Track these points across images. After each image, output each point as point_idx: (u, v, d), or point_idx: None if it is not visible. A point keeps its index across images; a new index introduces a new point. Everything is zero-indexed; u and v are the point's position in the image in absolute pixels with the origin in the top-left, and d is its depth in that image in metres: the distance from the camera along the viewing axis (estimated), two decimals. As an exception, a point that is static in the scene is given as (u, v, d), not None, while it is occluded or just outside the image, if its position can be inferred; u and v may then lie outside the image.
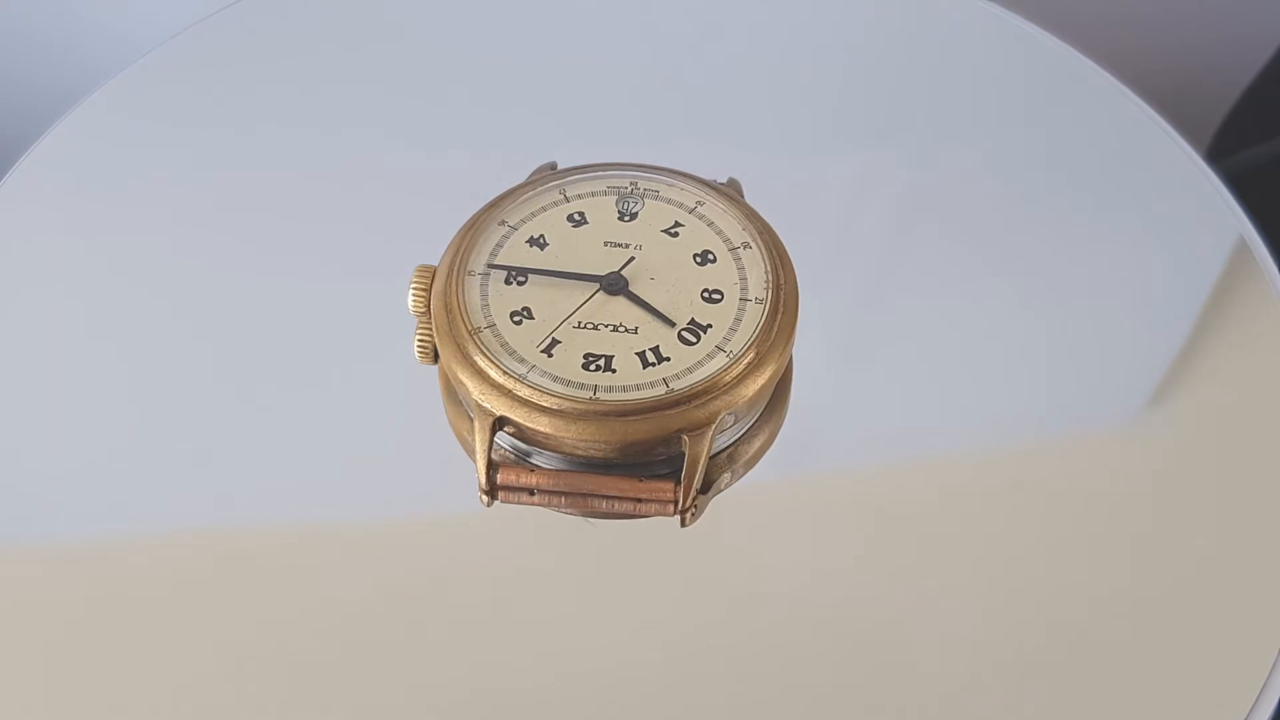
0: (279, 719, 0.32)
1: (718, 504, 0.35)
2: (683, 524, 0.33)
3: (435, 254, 0.36)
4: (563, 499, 0.33)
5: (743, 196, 0.37)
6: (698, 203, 0.36)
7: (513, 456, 0.34)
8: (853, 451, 0.37)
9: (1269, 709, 0.31)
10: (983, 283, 0.41)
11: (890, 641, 0.33)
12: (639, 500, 0.33)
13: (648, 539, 0.35)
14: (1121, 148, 0.45)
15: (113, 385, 0.38)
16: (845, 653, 0.33)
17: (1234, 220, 0.42)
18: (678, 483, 0.32)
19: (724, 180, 0.38)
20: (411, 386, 0.36)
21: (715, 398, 0.32)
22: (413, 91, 0.46)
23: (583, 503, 0.33)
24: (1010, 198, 0.44)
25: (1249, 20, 0.73)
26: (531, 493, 0.33)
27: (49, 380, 0.38)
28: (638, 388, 0.32)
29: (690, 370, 0.33)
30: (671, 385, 0.32)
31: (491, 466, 0.33)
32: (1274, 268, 0.41)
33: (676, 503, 0.32)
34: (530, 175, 0.38)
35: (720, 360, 0.33)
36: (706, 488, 0.34)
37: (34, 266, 0.41)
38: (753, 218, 0.36)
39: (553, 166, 0.38)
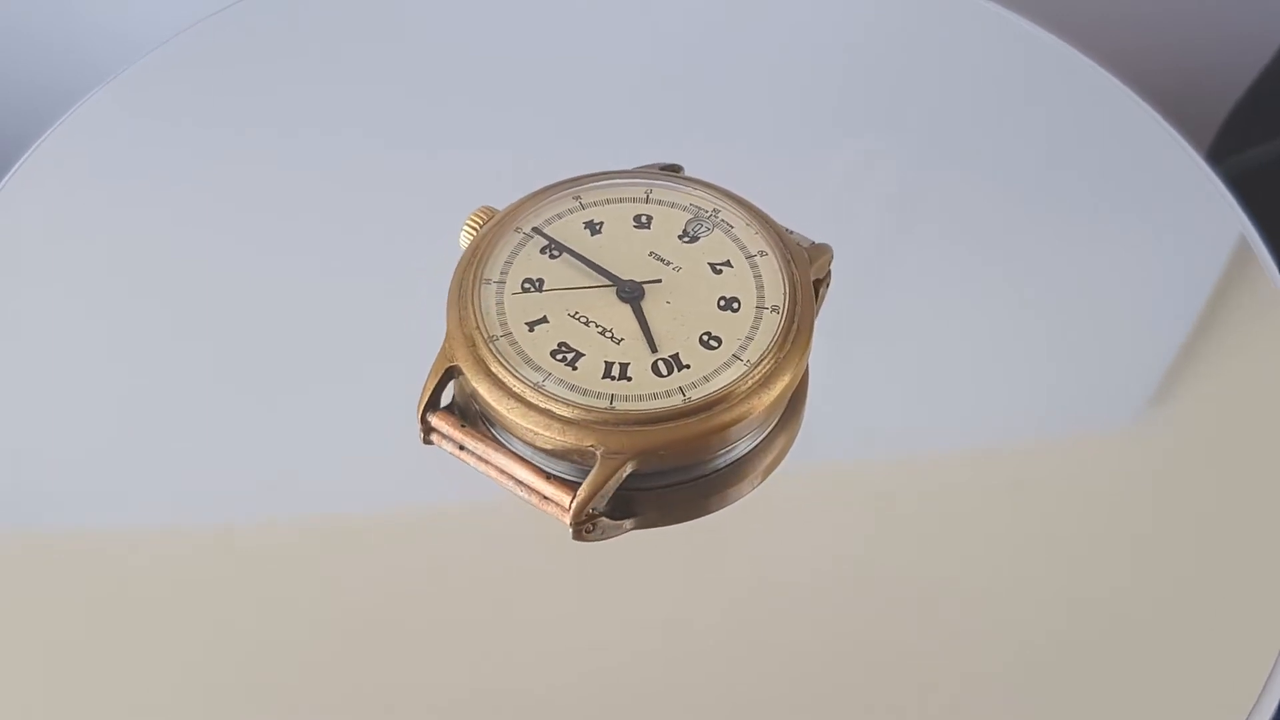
0: (278, 719, 0.32)
1: (716, 502, 0.35)
2: (574, 536, 0.33)
3: (434, 253, 0.36)
4: (482, 465, 0.33)
5: (816, 260, 0.36)
6: (760, 251, 0.35)
7: (477, 412, 0.34)
8: (851, 451, 0.37)
9: (1269, 709, 0.31)
10: (984, 283, 0.41)
11: (890, 641, 0.33)
12: (543, 497, 0.33)
13: (648, 538, 0.35)
14: (1123, 148, 0.45)
15: (112, 384, 0.38)
16: (845, 652, 0.33)
17: (1235, 220, 0.42)
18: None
19: (816, 240, 0.37)
20: (412, 386, 0.36)
21: (644, 433, 0.32)
22: (413, 91, 0.46)
23: (499, 478, 0.33)
24: (1011, 197, 0.44)
25: (1250, 20, 0.73)
26: (461, 448, 0.34)
27: (49, 379, 0.38)
28: (584, 392, 0.32)
29: (641, 398, 0.32)
30: (615, 404, 0.32)
31: (432, 408, 0.34)
32: (1275, 268, 0.41)
33: (568, 512, 0.32)
34: (640, 167, 0.38)
35: (674, 401, 0.32)
36: (623, 515, 0.34)
37: (34, 266, 0.41)
38: (801, 286, 0.35)
39: (673, 169, 0.38)
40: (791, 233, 0.36)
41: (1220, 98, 0.68)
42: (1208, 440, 0.37)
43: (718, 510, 0.35)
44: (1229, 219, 0.42)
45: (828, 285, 0.38)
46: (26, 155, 0.43)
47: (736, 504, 0.35)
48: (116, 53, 0.64)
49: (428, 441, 0.34)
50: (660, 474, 0.33)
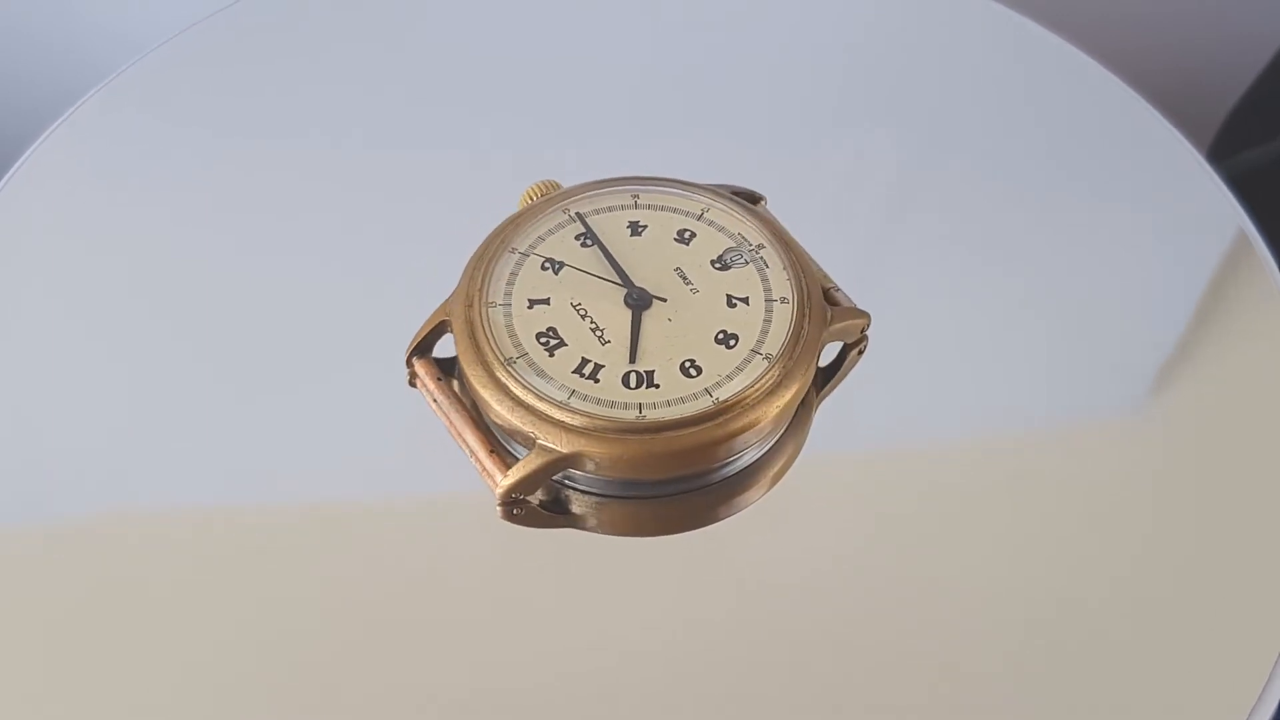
0: (274, 713, 0.32)
1: (714, 500, 0.34)
2: (501, 515, 0.33)
3: (434, 253, 0.36)
4: (445, 420, 0.34)
5: (839, 321, 0.35)
6: (781, 298, 0.34)
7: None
8: (850, 445, 0.37)
9: (1269, 709, 0.31)
10: (986, 280, 0.41)
11: (887, 641, 0.33)
12: (483, 467, 0.33)
13: (646, 538, 0.35)
14: (1124, 147, 0.45)
15: (113, 383, 0.38)
16: (843, 649, 0.33)
17: (1235, 219, 0.42)
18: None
19: (858, 303, 0.36)
20: (411, 387, 0.36)
21: (584, 436, 0.32)
22: (413, 92, 0.46)
23: (455, 437, 0.34)
24: (1012, 196, 0.44)
25: (1250, 20, 0.73)
26: (434, 399, 0.34)
27: (48, 378, 0.38)
28: (549, 380, 0.32)
29: (598, 403, 0.32)
30: (572, 401, 0.32)
31: (420, 353, 0.34)
32: (1275, 267, 0.41)
33: (498, 488, 0.33)
34: (721, 185, 0.37)
35: (628, 414, 0.32)
36: (559, 509, 0.34)
37: (34, 266, 0.41)
38: (806, 342, 0.34)
39: (752, 196, 0.38)
40: (837, 290, 0.36)
41: (1220, 98, 0.68)
42: (1208, 438, 0.37)
43: (727, 517, 0.34)
44: (1229, 218, 0.42)
45: (862, 351, 0.37)
46: (26, 155, 0.43)
47: (729, 501, 0.35)
48: (116, 53, 0.64)
49: (412, 384, 0.35)
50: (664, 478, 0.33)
